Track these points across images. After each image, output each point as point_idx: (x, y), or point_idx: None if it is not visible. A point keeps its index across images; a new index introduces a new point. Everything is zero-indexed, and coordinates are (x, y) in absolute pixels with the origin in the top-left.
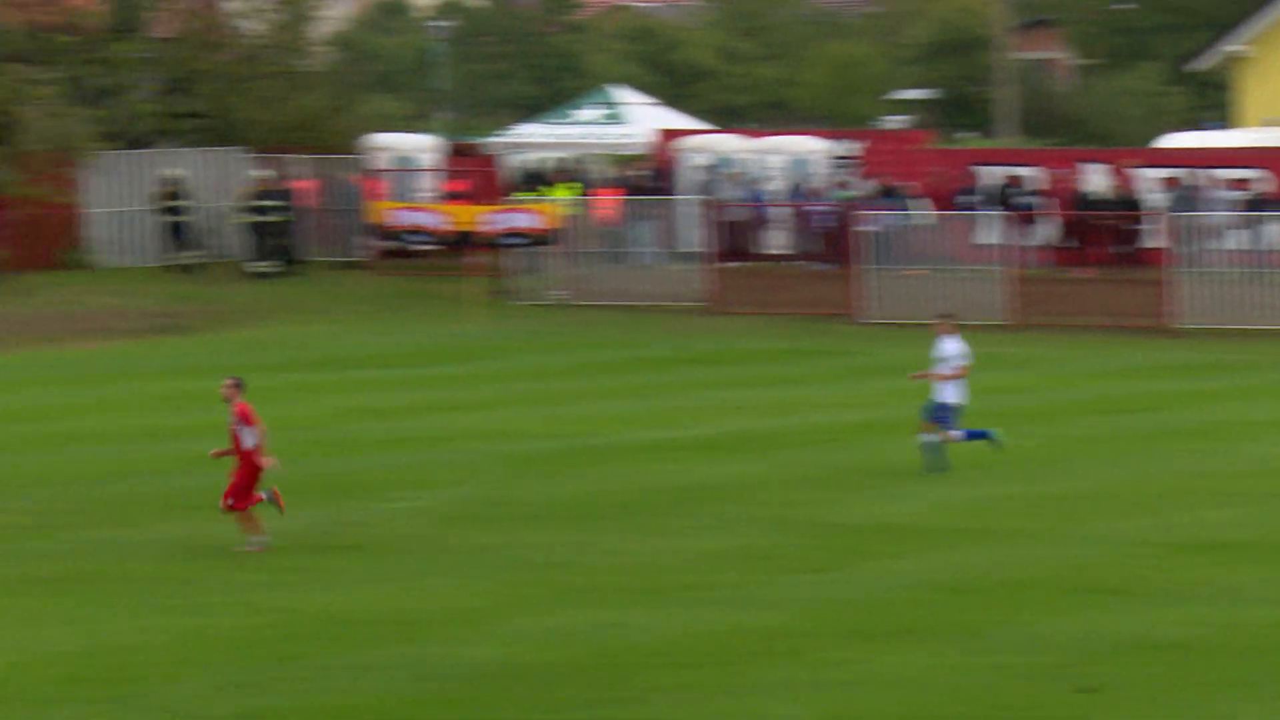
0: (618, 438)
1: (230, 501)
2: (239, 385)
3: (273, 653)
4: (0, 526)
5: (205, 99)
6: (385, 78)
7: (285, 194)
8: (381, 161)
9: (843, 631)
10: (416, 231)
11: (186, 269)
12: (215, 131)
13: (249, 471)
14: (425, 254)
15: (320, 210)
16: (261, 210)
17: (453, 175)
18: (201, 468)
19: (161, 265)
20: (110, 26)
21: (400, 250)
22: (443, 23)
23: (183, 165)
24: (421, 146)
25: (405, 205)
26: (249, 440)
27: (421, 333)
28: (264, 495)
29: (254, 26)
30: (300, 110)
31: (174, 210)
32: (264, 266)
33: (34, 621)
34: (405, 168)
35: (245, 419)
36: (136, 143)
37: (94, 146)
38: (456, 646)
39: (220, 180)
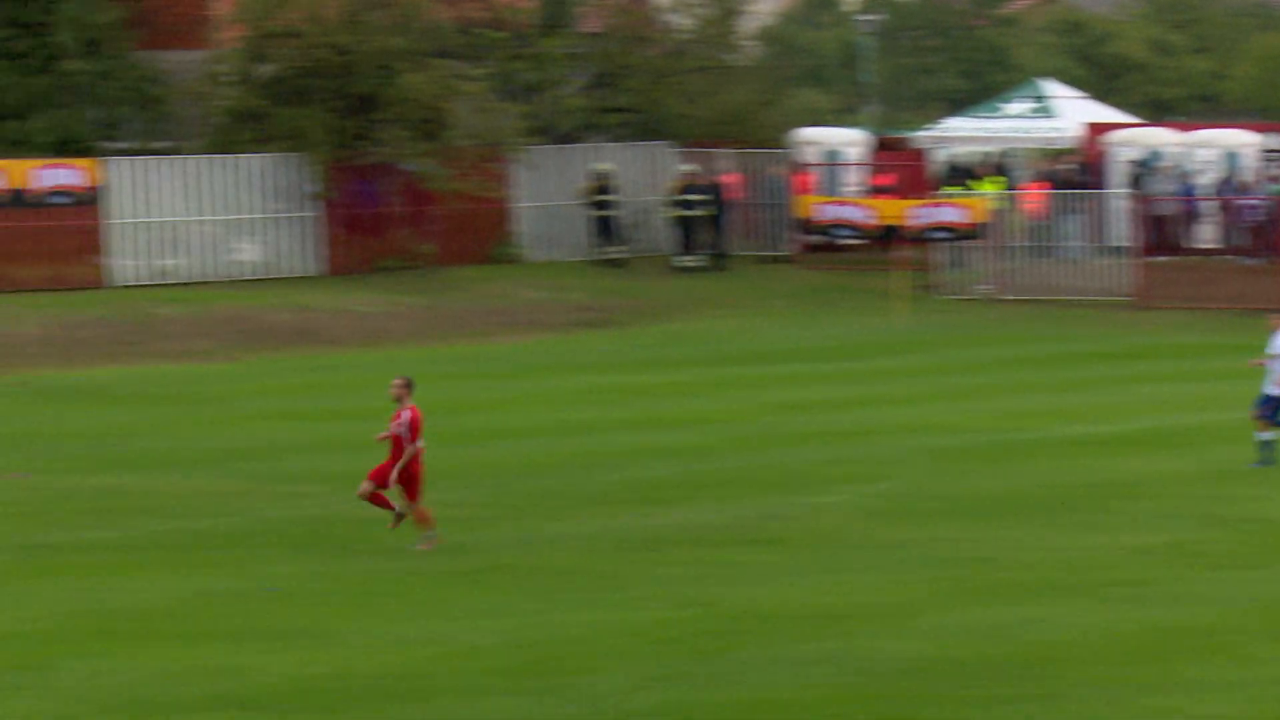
0: (1042, 432)
1: (413, 502)
2: (409, 385)
3: (695, 646)
4: None
5: (632, 94)
6: (813, 72)
7: (712, 188)
8: (808, 156)
9: (1275, 629)
10: (843, 226)
11: (613, 263)
12: (642, 126)
13: (414, 472)
14: (851, 248)
15: (746, 204)
16: (688, 205)
17: (879, 169)
18: (626, 461)
19: (589, 259)
20: (539, 22)
21: (826, 244)
22: (870, 16)
23: (609, 160)
24: (849, 140)
25: (832, 199)
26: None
27: (847, 327)
28: (396, 506)
29: (682, 21)
30: (727, 105)
31: (602, 205)
32: (690, 261)
33: (459, 614)
34: (832, 162)
35: (415, 428)
36: (564, 138)
37: (522, 141)
38: (878, 641)
39: (647, 175)
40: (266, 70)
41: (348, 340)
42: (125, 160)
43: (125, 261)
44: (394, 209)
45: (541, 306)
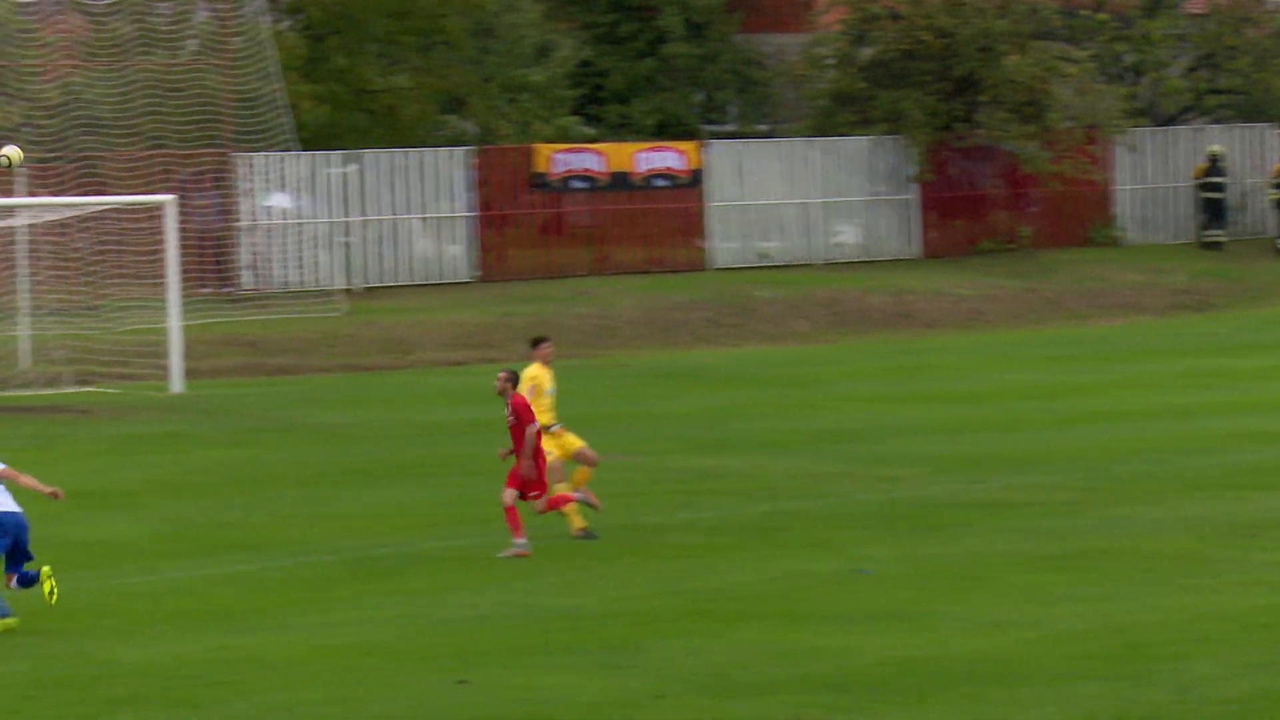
0: None
1: (543, 502)
2: (512, 379)
3: None
4: (1019, 503)
5: (1236, 75)
6: None
7: None
8: None
9: None
10: None
11: (1216, 246)
12: (1245, 108)
13: (540, 466)
14: None
15: None
16: None
17: None
18: (1223, 445)
19: (1191, 242)
20: (1143, 3)
21: None
22: None
23: (1213, 142)
24: None
25: None
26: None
27: None
28: (577, 495)
29: None
30: None
31: (1212, 187)
32: None
33: (1050, 598)
34: None
35: (522, 410)
36: (1166, 120)
37: (1124, 123)
38: None
39: (1252, 157)
40: (867, 53)
41: (943, 323)
42: (725, 143)
43: (724, 244)
44: (991, 191)
45: (1140, 289)
